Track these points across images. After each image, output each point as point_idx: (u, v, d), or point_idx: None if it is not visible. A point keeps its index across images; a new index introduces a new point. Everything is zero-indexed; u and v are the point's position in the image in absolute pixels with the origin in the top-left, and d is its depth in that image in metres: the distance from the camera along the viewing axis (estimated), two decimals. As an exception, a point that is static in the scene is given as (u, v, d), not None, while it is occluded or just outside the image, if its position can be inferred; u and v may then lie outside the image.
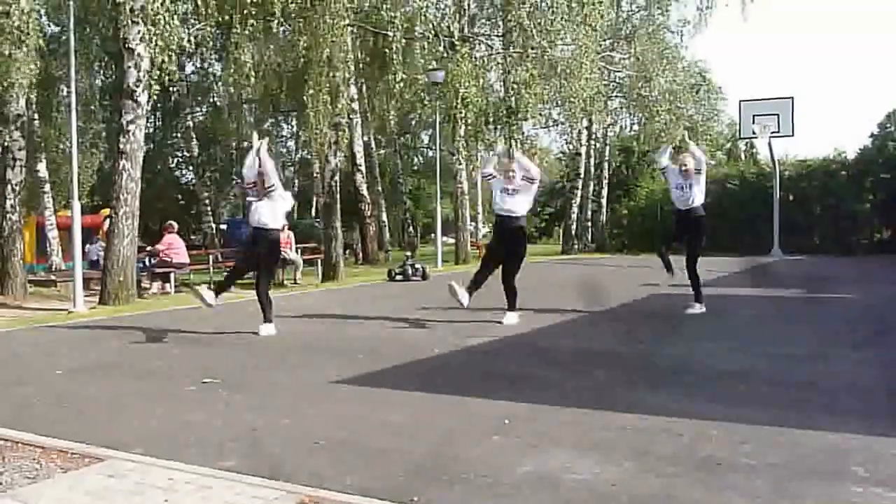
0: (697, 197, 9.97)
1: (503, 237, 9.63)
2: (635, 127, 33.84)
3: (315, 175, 31.88)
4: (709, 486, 3.83)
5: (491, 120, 23.44)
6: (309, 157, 35.23)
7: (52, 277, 18.35)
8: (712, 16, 27.28)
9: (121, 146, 13.52)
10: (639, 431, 4.74)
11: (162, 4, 12.93)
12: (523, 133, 26.94)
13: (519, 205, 9.40)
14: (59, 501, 3.79)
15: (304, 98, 17.50)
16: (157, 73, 13.38)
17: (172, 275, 16.40)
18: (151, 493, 3.85)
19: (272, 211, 9.04)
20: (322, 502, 3.71)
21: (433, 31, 21.44)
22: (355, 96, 21.58)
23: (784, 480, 3.86)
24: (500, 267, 9.48)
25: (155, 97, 14.39)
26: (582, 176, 31.01)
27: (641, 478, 3.96)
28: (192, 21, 15.57)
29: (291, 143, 43.15)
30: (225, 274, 9.27)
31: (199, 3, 15.08)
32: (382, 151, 39.26)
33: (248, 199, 9.48)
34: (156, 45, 13.04)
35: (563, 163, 41.34)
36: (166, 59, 13.34)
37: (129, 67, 13.40)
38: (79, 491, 3.92)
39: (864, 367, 6.77)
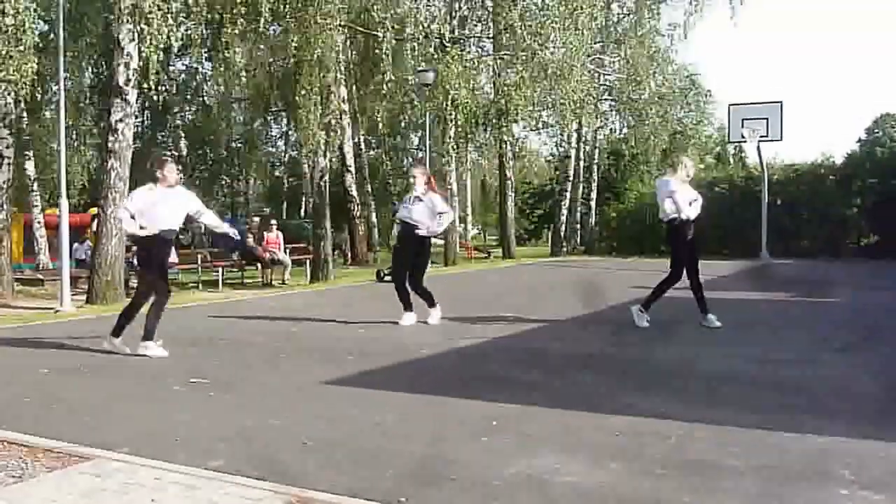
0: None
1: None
2: (625, 130, 33.94)
3: (304, 175, 31.85)
4: (697, 488, 3.83)
5: (481, 122, 23.48)
6: (298, 157, 35.19)
7: (40, 276, 18.27)
8: (702, 20, 27.41)
9: (109, 145, 13.48)
10: (627, 434, 4.74)
11: (154, 2, 12.90)
12: (513, 135, 27.06)
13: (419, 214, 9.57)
14: (45, 501, 3.76)
15: (296, 98, 17.48)
16: (154, 71, 13.35)
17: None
18: (138, 493, 3.83)
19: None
20: (310, 503, 3.70)
21: (424, 33, 21.44)
22: (345, 97, 21.56)
23: (772, 483, 3.87)
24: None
25: (152, 95, 14.38)
26: (571, 178, 31.07)
27: (629, 480, 3.96)
28: (182, 19, 15.53)
29: (281, 143, 43.07)
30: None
31: (190, 1, 15.03)
32: (372, 152, 39.23)
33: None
34: (150, 43, 13.00)
35: (552, 165, 41.43)
36: (158, 56, 13.31)
37: (119, 65, 13.35)
38: (65, 490, 3.89)
39: (852, 371, 6.79)
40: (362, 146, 33.43)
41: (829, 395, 5.82)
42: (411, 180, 9.64)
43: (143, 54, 13.27)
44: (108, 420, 5.25)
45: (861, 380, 6.37)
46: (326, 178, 19.47)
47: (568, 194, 31.02)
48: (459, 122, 21.91)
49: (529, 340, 8.35)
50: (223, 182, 38.96)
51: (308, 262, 19.30)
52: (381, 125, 23.24)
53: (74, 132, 23.74)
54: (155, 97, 15.10)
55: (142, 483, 3.96)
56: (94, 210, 17.01)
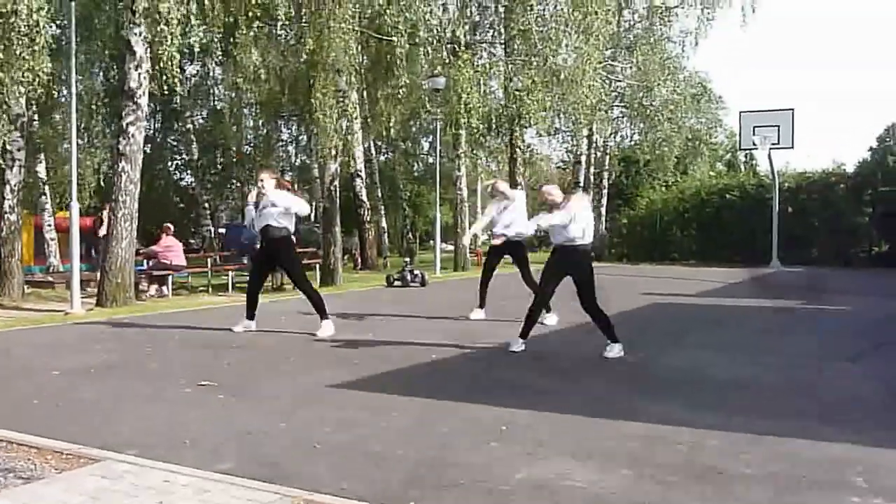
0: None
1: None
2: (636, 136, 33.84)
3: (314, 180, 31.92)
4: (708, 495, 3.80)
5: (493, 126, 23.46)
6: (308, 161, 35.22)
7: (50, 279, 18.32)
8: (713, 28, 27.27)
9: (120, 148, 13.49)
10: (638, 440, 4.72)
11: (172, 3, 12.92)
12: (524, 141, 27.04)
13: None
14: (54, 503, 3.75)
15: (312, 102, 17.49)
16: (172, 73, 13.37)
17: (170, 277, 16.38)
18: (146, 495, 3.82)
19: None
20: (318, 506, 3.69)
21: (436, 37, 21.45)
22: (356, 101, 21.58)
23: (784, 491, 3.84)
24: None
25: (169, 97, 14.31)
26: (581, 184, 31.00)
27: (640, 486, 3.93)
28: (198, 22, 15.57)
29: (291, 148, 43.08)
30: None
31: (207, 3, 15.02)
32: (382, 157, 39.26)
33: None
34: (172, 42, 13.00)
35: (563, 171, 41.39)
36: (174, 58, 13.31)
37: (130, 69, 13.38)
38: (73, 492, 3.88)
39: (863, 378, 6.76)
40: (373, 151, 33.46)
41: (841, 402, 5.79)
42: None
43: (164, 55, 13.25)
44: (117, 422, 5.25)
45: (873, 388, 6.34)
46: (337, 182, 19.48)
47: (578, 201, 30.92)
48: (473, 127, 21.90)
49: (538, 345, 8.31)
50: (234, 186, 38.98)
51: (317, 266, 19.28)
52: (394, 130, 23.25)
53: (86, 135, 23.76)
54: (157, 101, 15.10)
55: (150, 485, 3.96)
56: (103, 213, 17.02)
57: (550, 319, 9.71)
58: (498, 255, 10.87)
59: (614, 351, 7.64)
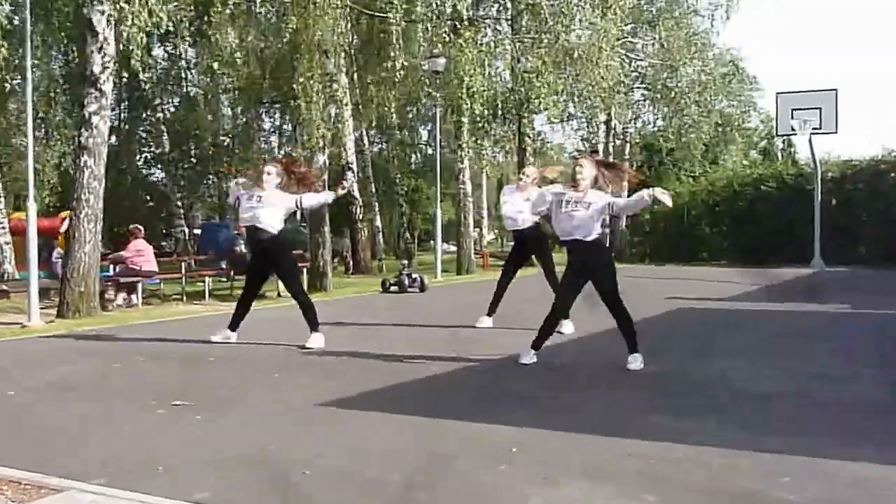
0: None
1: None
2: (659, 122, 33.84)
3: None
4: (740, 521, 3.83)
5: (499, 112, 23.43)
6: (293, 153, 35.26)
7: (5, 287, 18.34)
8: (746, -3, 27.23)
9: (82, 140, 13.47)
10: (662, 460, 4.73)
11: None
12: (533, 128, 27.03)
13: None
14: (12, 535, 3.78)
15: (295, 87, 17.51)
16: (138, 56, 13.36)
17: (140, 285, 16.40)
18: (115, 527, 3.85)
19: None
20: (306, 538, 3.71)
21: (435, 13, 21.45)
22: (346, 86, 21.63)
23: (825, 516, 3.86)
24: None
25: (136, 82, 14.34)
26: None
27: (665, 512, 3.95)
28: (167, -1, 15.61)
29: (274, 139, 43.13)
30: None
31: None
32: (376, 148, 39.26)
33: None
34: (132, 23, 13.00)
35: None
36: (141, 39, 13.30)
37: (93, 52, 13.37)
38: (34, 524, 3.91)
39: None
40: (365, 141, 33.48)
41: (884, 416, 5.80)
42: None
43: (125, 36, 13.26)
44: (81, 447, 5.26)
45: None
46: (325, 177, 19.49)
47: (596, 194, 30.93)
48: (476, 113, 21.89)
49: (552, 355, 8.33)
50: (210, 182, 39.04)
51: (304, 270, 19.30)
52: (393, 116, 23.25)
53: (43, 126, 23.84)
54: (123, 88, 15.14)
55: (119, 516, 3.98)
56: (65, 213, 17.05)
57: (567, 328, 9.72)
58: (521, 255, 10.89)
59: (637, 362, 7.66)
